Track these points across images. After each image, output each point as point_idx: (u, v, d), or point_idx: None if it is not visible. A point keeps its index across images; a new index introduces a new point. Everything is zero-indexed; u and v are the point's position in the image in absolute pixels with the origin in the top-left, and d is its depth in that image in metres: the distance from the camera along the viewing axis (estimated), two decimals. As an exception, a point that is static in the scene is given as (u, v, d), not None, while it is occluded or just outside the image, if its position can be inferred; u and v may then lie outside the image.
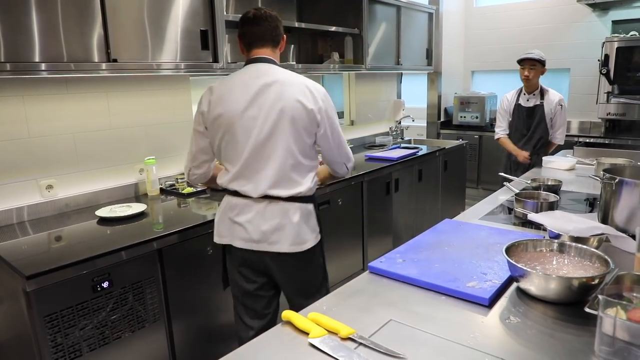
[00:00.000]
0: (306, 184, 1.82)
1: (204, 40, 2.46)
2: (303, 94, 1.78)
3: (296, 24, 3.19)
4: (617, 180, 1.66)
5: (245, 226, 1.80)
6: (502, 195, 2.39)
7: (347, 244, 3.16)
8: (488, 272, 1.38)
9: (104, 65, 2.07)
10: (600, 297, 0.97)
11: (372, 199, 3.34)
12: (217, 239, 1.91)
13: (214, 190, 2.69)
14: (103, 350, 1.83)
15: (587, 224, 1.57)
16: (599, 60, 4.54)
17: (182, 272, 2.11)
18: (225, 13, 2.57)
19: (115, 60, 2.10)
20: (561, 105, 3.54)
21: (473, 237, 1.70)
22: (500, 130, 3.80)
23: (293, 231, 1.80)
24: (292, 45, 3.67)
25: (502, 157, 3.90)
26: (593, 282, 1.15)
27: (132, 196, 2.63)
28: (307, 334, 1.11)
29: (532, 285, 1.21)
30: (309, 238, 1.86)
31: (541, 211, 1.91)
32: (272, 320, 1.98)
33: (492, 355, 1.00)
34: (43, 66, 1.89)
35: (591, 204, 2.22)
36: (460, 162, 4.71)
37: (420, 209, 4.02)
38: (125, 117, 2.59)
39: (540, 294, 1.21)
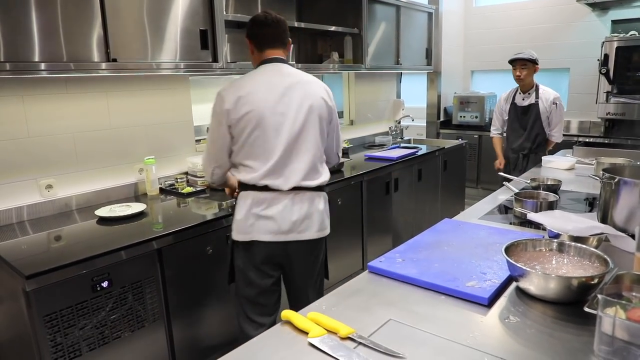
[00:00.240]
0: (326, 174, 2.00)
1: (203, 40, 2.46)
2: (324, 92, 1.99)
3: (296, 24, 3.19)
4: (616, 179, 1.66)
5: (275, 218, 1.87)
6: (501, 195, 2.39)
7: (346, 243, 3.16)
8: (487, 271, 1.38)
9: (103, 65, 2.07)
10: (599, 296, 0.97)
11: (372, 199, 3.34)
12: (240, 237, 1.91)
13: (213, 190, 2.69)
14: (103, 350, 1.83)
15: (586, 223, 1.57)
16: (598, 59, 4.54)
17: (181, 271, 2.11)
18: (224, 13, 2.57)
19: (114, 60, 2.10)
20: (555, 103, 3.54)
21: (472, 236, 1.70)
22: (494, 130, 3.93)
23: (320, 218, 1.95)
24: (292, 45, 3.66)
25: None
26: (592, 282, 1.15)
27: (131, 196, 2.63)
28: (306, 333, 1.11)
29: (531, 284, 1.21)
30: (328, 224, 2.02)
31: (541, 211, 1.91)
32: (277, 315, 2.04)
33: (491, 355, 1.00)
34: (43, 66, 1.89)
35: (591, 203, 2.23)
36: (460, 161, 4.71)
37: (420, 208, 4.02)
38: (124, 117, 2.59)
39: (539, 293, 1.21)
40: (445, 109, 5.84)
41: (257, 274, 1.95)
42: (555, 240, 1.41)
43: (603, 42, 4.50)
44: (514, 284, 1.31)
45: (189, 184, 2.78)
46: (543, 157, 3.25)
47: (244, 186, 1.91)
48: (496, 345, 1.05)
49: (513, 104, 3.69)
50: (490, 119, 5.34)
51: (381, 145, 4.36)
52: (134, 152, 2.65)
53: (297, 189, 1.88)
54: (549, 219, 1.67)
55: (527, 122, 3.62)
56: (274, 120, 1.85)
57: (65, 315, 1.71)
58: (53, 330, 1.68)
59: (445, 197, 4.44)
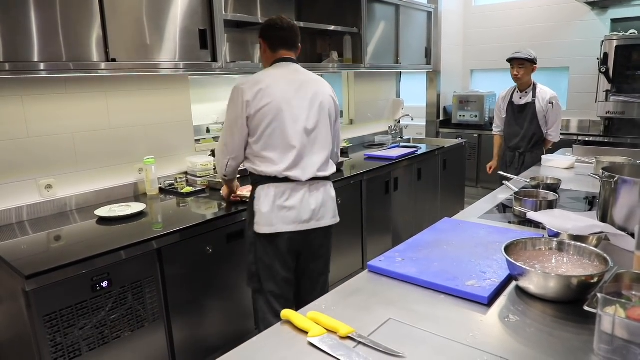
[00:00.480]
0: (333, 165, 2.17)
1: (202, 40, 2.46)
2: (332, 91, 2.16)
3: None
4: (616, 178, 1.66)
5: (296, 208, 1.99)
6: (501, 194, 2.39)
7: (346, 243, 3.16)
8: (487, 270, 1.38)
9: (103, 65, 2.07)
10: (599, 295, 0.97)
11: (372, 198, 3.34)
12: (266, 229, 1.97)
13: (213, 190, 2.69)
14: (102, 350, 1.83)
15: (586, 222, 1.57)
16: (598, 58, 4.54)
17: (181, 271, 2.11)
18: (224, 12, 2.57)
19: (114, 60, 2.10)
20: (552, 102, 3.54)
21: (472, 235, 1.70)
22: (495, 128, 3.98)
23: (333, 205, 2.12)
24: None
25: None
26: (592, 281, 1.15)
27: (131, 196, 2.63)
28: (306, 333, 1.11)
29: (531, 283, 1.21)
30: (337, 211, 2.16)
31: (540, 210, 1.91)
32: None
33: (491, 354, 1.00)
34: (42, 66, 1.89)
35: (590, 202, 2.23)
36: (460, 161, 4.71)
37: (420, 208, 4.02)
38: (124, 117, 2.59)
39: (539, 292, 1.21)
40: (444, 108, 5.83)
41: (282, 265, 2.05)
42: (555, 239, 1.41)
43: (602, 41, 4.49)
44: (513, 283, 1.31)
45: (188, 183, 2.78)
46: (543, 156, 3.25)
47: (264, 179, 1.98)
48: (496, 345, 1.05)
49: (510, 103, 3.71)
50: (490, 118, 5.39)
51: (381, 145, 4.36)
52: (134, 152, 2.65)
53: (312, 179, 2.02)
54: (548, 218, 1.67)
55: (524, 121, 3.63)
56: (291, 113, 1.97)
57: (65, 315, 1.71)
58: (53, 330, 1.68)
59: (445, 196, 4.44)
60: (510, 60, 3.56)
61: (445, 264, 1.44)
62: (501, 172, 2.79)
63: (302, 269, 2.15)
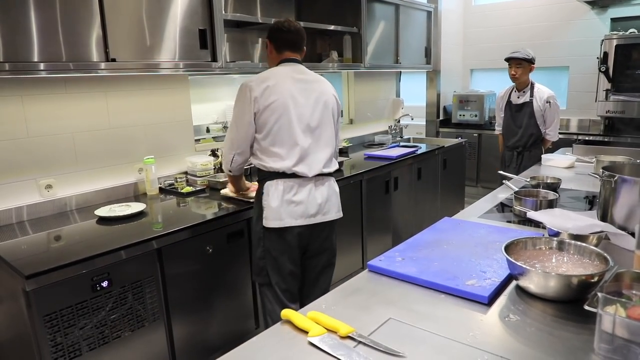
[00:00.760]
0: (336, 162, 2.23)
1: (202, 40, 2.46)
2: (334, 91, 2.23)
3: (295, 23, 3.19)
4: (616, 177, 1.66)
5: (303, 202, 2.04)
6: (501, 194, 2.39)
7: (346, 242, 3.15)
8: (487, 270, 1.38)
9: (102, 65, 2.07)
10: (599, 294, 0.97)
11: (372, 198, 3.34)
12: (275, 223, 2.02)
13: (213, 190, 2.69)
14: (103, 350, 1.83)
15: (586, 221, 1.57)
16: (598, 57, 4.53)
17: (181, 271, 2.11)
18: (223, 12, 2.57)
19: (114, 60, 2.10)
20: (549, 102, 3.55)
21: (472, 235, 1.70)
22: (497, 127, 4.00)
23: (337, 200, 2.19)
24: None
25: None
26: (592, 280, 1.15)
27: (131, 195, 2.63)
28: (306, 332, 1.11)
29: (531, 283, 1.21)
30: (341, 206, 2.21)
31: (540, 209, 1.91)
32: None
33: (491, 353, 1.00)
34: (42, 66, 1.89)
35: (590, 201, 2.23)
36: (460, 160, 4.71)
37: (420, 207, 4.02)
38: (124, 117, 2.59)
39: (539, 291, 1.21)
40: (444, 108, 5.83)
41: (289, 259, 2.09)
42: (555, 238, 1.40)
43: (602, 40, 4.49)
44: (513, 283, 1.31)
45: (188, 183, 2.78)
46: (543, 156, 3.25)
47: (273, 175, 2.03)
48: (496, 344, 1.05)
49: (508, 102, 3.73)
50: (490, 117, 5.40)
51: (381, 144, 4.36)
52: (134, 152, 2.65)
53: (318, 175, 2.08)
54: (548, 217, 1.67)
55: (521, 120, 3.63)
56: (297, 110, 2.03)
57: (65, 315, 1.71)
58: (53, 330, 1.68)
59: (445, 195, 4.44)
60: (508, 60, 3.58)
61: (445, 264, 1.44)
62: (501, 172, 2.79)
63: (307, 263, 2.20)
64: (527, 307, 1.20)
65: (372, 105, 4.75)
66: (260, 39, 3.35)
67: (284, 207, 2.02)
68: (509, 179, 2.56)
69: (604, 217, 1.73)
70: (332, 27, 3.46)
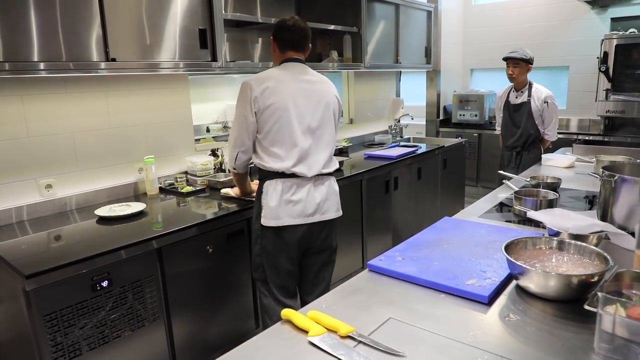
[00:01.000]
0: (336, 161, 2.23)
1: (202, 39, 2.46)
2: (336, 91, 2.23)
3: (295, 23, 3.19)
4: (616, 177, 1.66)
5: (302, 202, 2.06)
6: (501, 193, 2.39)
7: (346, 242, 3.15)
8: (487, 269, 1.38)
9: (102, 65, 2.07)
10: (599, 294, 0.97)
11: (372, 198, 3.34)
12: (272, 222, 2.03)
13: (213, 189, 2.69)
14: (103, 349, 1.83)
15: (586, 221, 1.57)
16: (598, 57, 4.53)
17: (181, 271, 2.11)
18: (223, 12, 2.57)
19: (114, 60, 2.10)
20: (547, 102, 3.54)
21: (472, 235, 1.70)
22: (498, 127, 3.99)
23: (336, 199, 2.19)
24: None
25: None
26: (592, 280, 1.15)
27: (131, 195, 2.63)
28: (306, 332, 1.11)
29: (531, 282, 1.21)
30: (340, 205, 2.22)
31: (540, 209, 1.91)
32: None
33: (491, 353, 1.00)
34: (42, 65, 1.89)
35: (590, 201, 2.23)
36: (460, 160, 4.71)
37: (420, 207, 4.02)
38: (124, 116, 2.59)
39: (539, 291, 1.21)
40: (444, 108, 5.83)
41: (287, 258, 2.11)
42: (555, 238, 1.41)
43: (602, 40, 4.49)
44: (514, 282, 1.31)
45: (188, 183, 2.78)
46: (543, 155, 3.25)
47: (272, 174, 2.04)
48: (496, 344, 1.05)
49: (507, 102, 3.72)
50: (490, 117, 5.40)
51: (381, 144, 4.36)
52: (134, 152, 2.65)
53: (317, 175, 2.09)
54: (548, 217, 1.67)
55: (519, 120, 3.63)
56: (297, 111, 2.04)
57: (65, 315, 1.71)
58: (53, 329, 1.68)
59: (445, 195, 4.44)
60: (505, 59, 3.57)
61: (445, 263, 1.44)
62: (501, 172, 2.79)
63: (306, 261, 2.21)
64: (527, 306, 1.20)
65: (372, 105, 4.75)
66: (260, 39, 3.35)
67: (282, 207, 2.03)
68: (509, 178, 2.56)
69: (604, 217, 1.73)
70: (332, 27, 3.46)
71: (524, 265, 1.21)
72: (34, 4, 1.83)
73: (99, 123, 2.49)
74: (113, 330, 1.86)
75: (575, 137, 4.76)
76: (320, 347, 1.05)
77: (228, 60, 2.75)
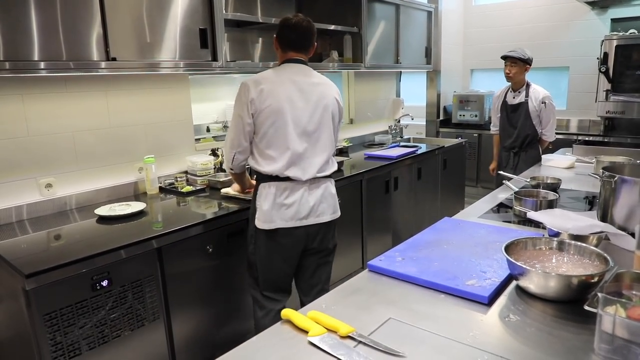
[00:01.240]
0: (335, 163, 2.20)
1: (203, 39, 2.46)
2: (337, 93, 2.20)
3: (295, 23, 3.18)
4: (616, 178, 1.66)
5: (295, 205, 2.04)
6: (501, 194, 2.39)
7: (346, 242, 3.15)
8: (487, 270, 1.38)
9: (103, 64, 2.07)
10: (599, 295, 0.97)
11: (372, 198, 3.34)
12: (265, 225, 2.03)
13: (213, 189, 2.69)
14: (102, 349, 1.83)
15: (586, 222, 1.57)
16: (598, 58, 4.54)
17: (181, 270, 2.11)
18: (224, 12, 2.56)
19: (114, 59, 2.09)
20: (544, 102, 3.52)
21: (472, 235, 1.70)
22: (493, 127, 3.99)
23: (333, 201, 2.16)
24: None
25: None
26: (592, 280, 1.15)
27: (131, 195, 2.63)
28: (306, 332, 1.11)
29: (531, 283, 1.21)
30: (338, 207, 2.21)
31: (540, 209, 1.91)
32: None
33: (491, 353, 1.00)
34: (42, 65, 1.88)
35: (590, 202, 2.23)
36: (460, 160, 4.71)
37: (420, 207, 4.02)
38: (124, 116, 2.59)
39: (539, 292, 1.21)
40: (444, 108, 5.84)
41: (280, 258, 2.11)
42: (555, 238, 1.41)
43: (602, 41, 4.49)
44: (514, 283, 1.31)
45: (188, 183, 2.78)
46: (543, 156, 3.25)
47: (266, 177, 2.04)
48: (496, 344, 1.05)
49: (504, 102, 3.71)
50: (490, 118, 5.39)
51: (381, 144, 4.36)
52: (134, 151, 2.65)
53: (312, 178, 2.07)
54: (548, 218, 1.67)
55: (517, 121, 3.62)
56: (294, 114, 2.01)
57: (65, 314, 1.71)
58: (53, 329, 1.68)
59: (445, 195, 4.44)
60: (504, 58, 3.57)
61: (445, 264, 1.44)
62: (500, 172, 2.79)
63: (303, 261, 2.21)
64: (527, 307, 1.20)
65: (372, 105, 4.75)
66: (260, 39, 3.35)
67: (275, 210, 2.03)
68: (509, 179, 2.56)
69: (604, 218, 1.73)
70: (332, 27, 3.46)
71: (524, 266, 1.21)
72: (34, 3, 1.83)
73: (99, 122, 2.49)
74: (113, 329, 1.86)
75: (575, 137, 4.76)
76: (320, 347, 1.05)
77: (228, 60, 2.75)
